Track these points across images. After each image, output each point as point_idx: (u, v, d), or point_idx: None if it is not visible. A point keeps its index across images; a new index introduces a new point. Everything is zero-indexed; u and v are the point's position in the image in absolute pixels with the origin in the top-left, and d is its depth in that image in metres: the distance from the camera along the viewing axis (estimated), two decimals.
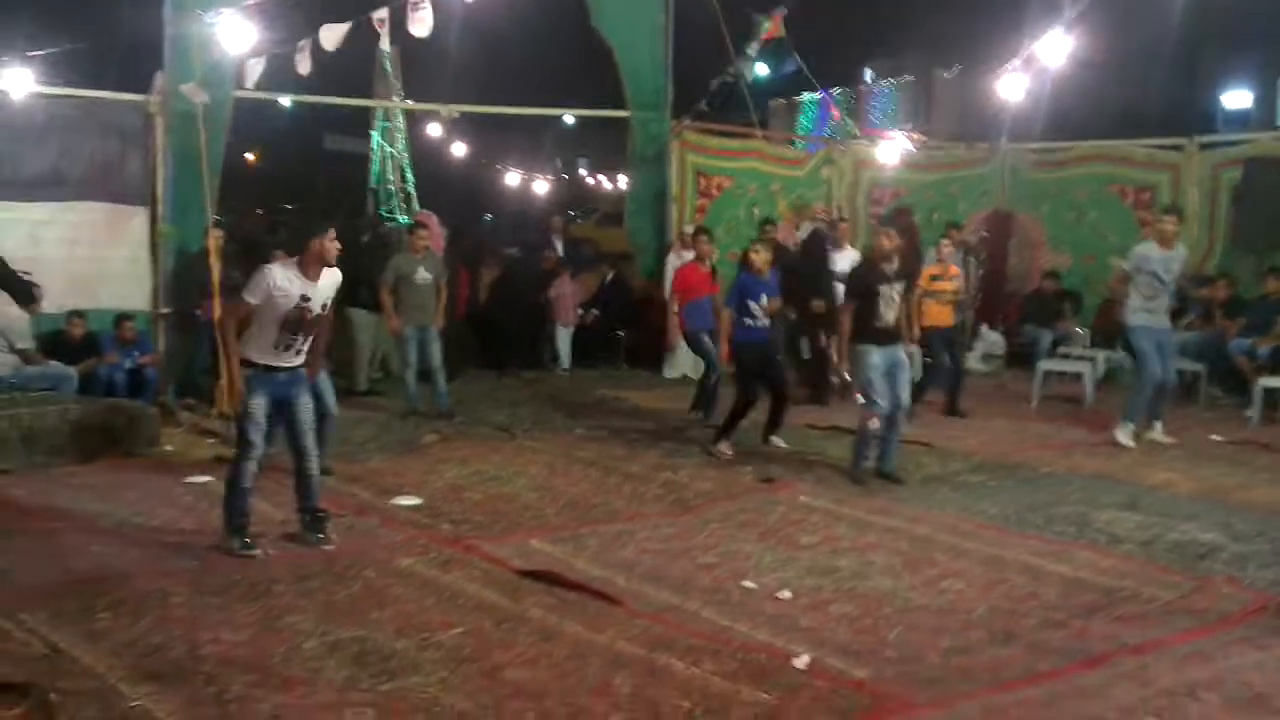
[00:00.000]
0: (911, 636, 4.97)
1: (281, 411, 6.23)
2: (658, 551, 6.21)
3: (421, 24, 8.81)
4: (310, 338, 6.25)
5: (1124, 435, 9.18)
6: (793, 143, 18.62)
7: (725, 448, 8.78)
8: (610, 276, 14.25)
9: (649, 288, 13.50)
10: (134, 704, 4.18)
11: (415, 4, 8.76)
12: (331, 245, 6.16)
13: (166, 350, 10.51)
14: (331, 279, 6.27)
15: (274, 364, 6.14)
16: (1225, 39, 25.63)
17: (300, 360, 6.27)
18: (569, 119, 25.07)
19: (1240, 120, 25.78)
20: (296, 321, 6.10)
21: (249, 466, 6.14)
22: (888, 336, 7.91)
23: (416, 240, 10.65)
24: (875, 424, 7.80)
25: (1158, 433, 9.31)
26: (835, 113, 22.21)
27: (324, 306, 6.24)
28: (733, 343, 9.07)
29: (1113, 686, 4.41)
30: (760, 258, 9.01)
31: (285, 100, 13.25)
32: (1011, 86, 9.08)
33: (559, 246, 14.21)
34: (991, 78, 9.85)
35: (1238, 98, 27.47)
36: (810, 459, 8.64)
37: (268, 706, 4.18)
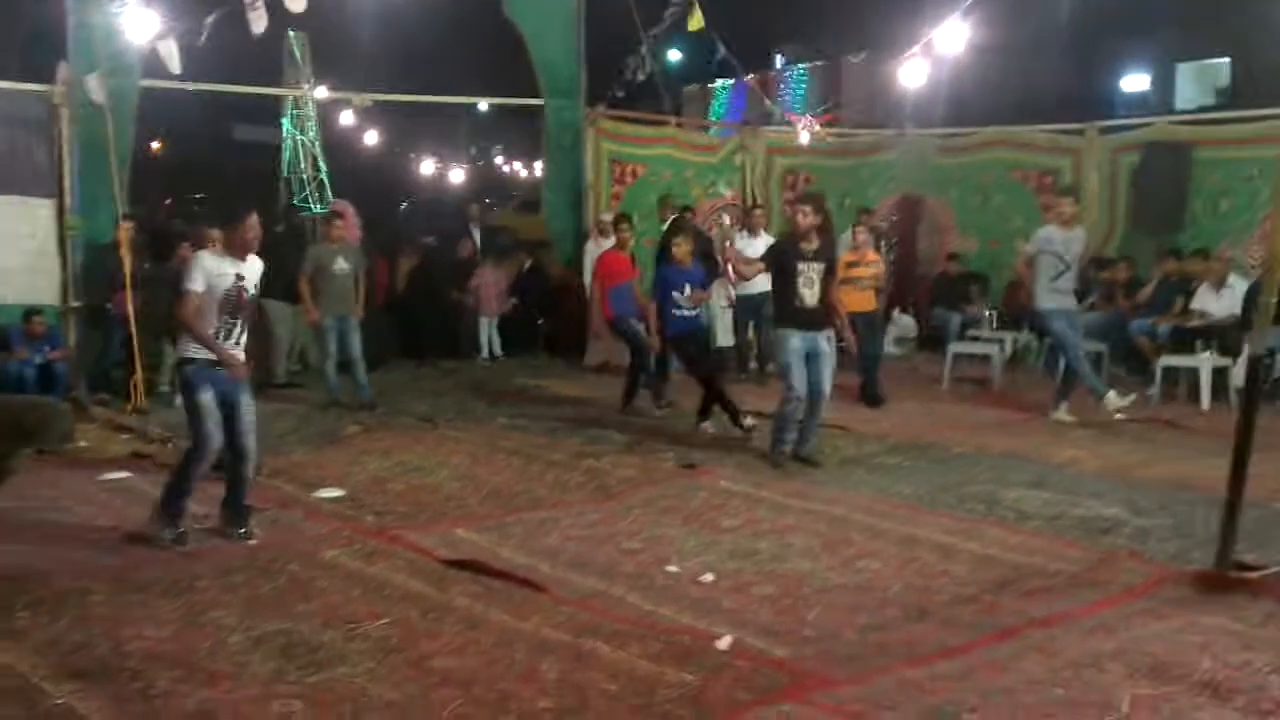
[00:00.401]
0: (829, 615, 5.10)
1: (223, 410, 6.19)
2: (582, 538, 6.28)
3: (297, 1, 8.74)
4: (246, 323, 6.28)
5: (1113, 403, 9.48)
6: (706, 129, 18.71)
7: (709, 426, 9.06)
8: (528, 265, 14.27)
9: (567, 275, 13.56)
10: (58, 702, 4.17)
11: None
12: (251, 233, 6.22)
13: (78, 345, 10.33)
14: (258, 263, 6.35)
15: (214, 357, 6.13)
16: (1123, 24, 26.26)
17: (239, 351, 6.26)
18: (483, 107, 24.97)
19: (1138, 104, 26.43)
20: (235, 304, 6.15)
21: (202, 466, 6.13)
22: (808, 319, 7.94)
23: (333, 230, 10.61)
24: (791, 408, 7.92)
25: (1062, 412, 9.60)
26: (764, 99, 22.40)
27: (255, 287, 6.31)
28: (667, 337, 9.20)
29: (1022, 659, 4.58)
30: (681, 250, 9.15)
31: (192, 88, 13.02)
32: (912, 73, 9.26)
33: (476, 235, 14.17)
34: (896, 64, 10.03)
35: (1135, 81, 28.18)
36: (732, 444, 8.77)
37: (193, 701, 4.19)
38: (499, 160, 42.12)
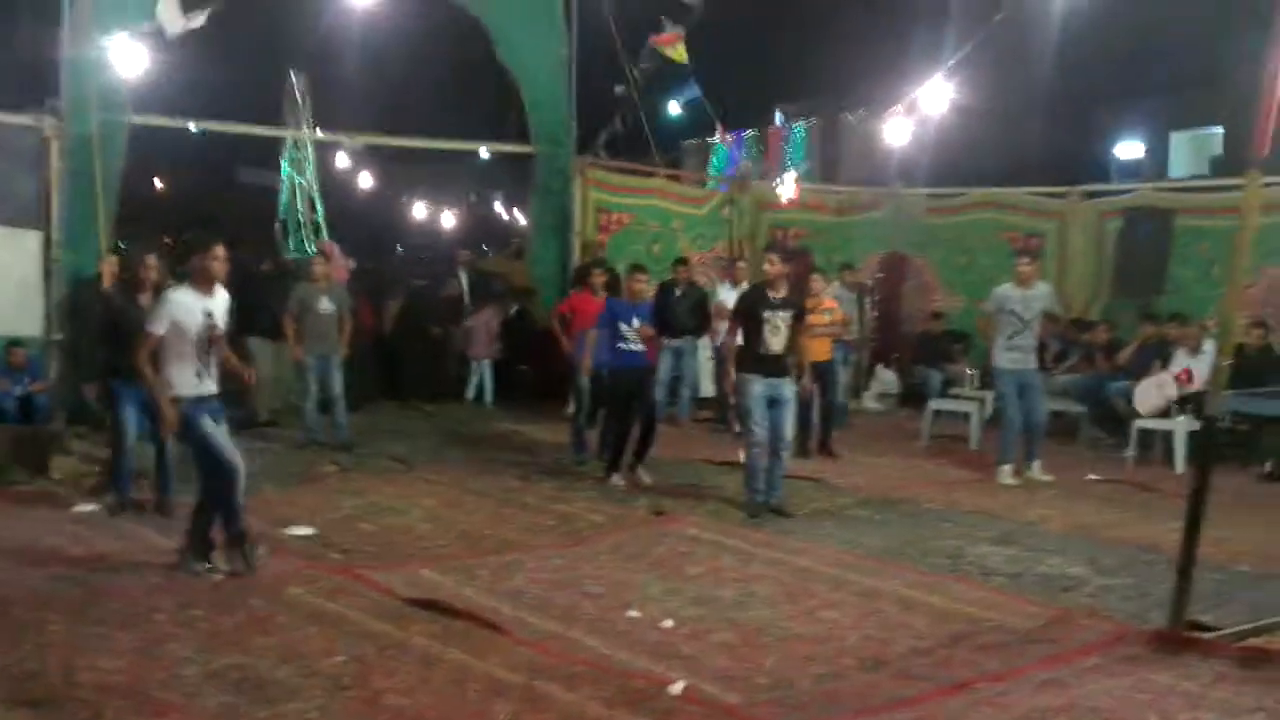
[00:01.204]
0: (785, 664, 5.11)
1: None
2: (546, 581, 6.30)
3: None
4: (219, 358, 6.34)
5: (1004, 476, 9.50)
6: (703, 183, 18.87)
7: (618, 478, 8.91)
8: (514, 310, 14.32)
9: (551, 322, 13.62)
10: None
11: None
12: (213, 263, 6.23)
13: (58, 377, 10.37)
14: (223, 296, 6.38)
15: (201, 393, 6.20)
16: (1120, 91, 26.56)
17: (214, 387, 6.31)
18: (484, 153, 25.18)
19: (1133, 171, 26.64)
20: (206, 341, 6.19)
21: (238, 485, 6.21)
22: (772, 366, 8.02)
23: (316, 269, 10.67)
24: (755, 452, 7.97)
25: (1036, 471, 9.64)
26: (739, 157, 22.63)
27: (224, 321, 6.35)
28: (607, 368, 9.14)
29: (972, 712, 4.59)
30: (639, 286, 9.16)
31: (188, 125, 13.17)
32: (897, 131, 9.39)
33: (464, 279, 14.26)
34: (886, 120, 10.18)
35: (1130, 149, 28.47)
36: (704, 492, 8.81)
37: None
38: (498, 206, 42.37)
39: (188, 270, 6.34)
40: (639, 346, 9.10)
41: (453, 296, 13.89)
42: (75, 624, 5.29)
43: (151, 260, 6.93)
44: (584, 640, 5.34)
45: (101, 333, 7.80)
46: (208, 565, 6.17)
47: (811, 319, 10.43)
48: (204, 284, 6.24)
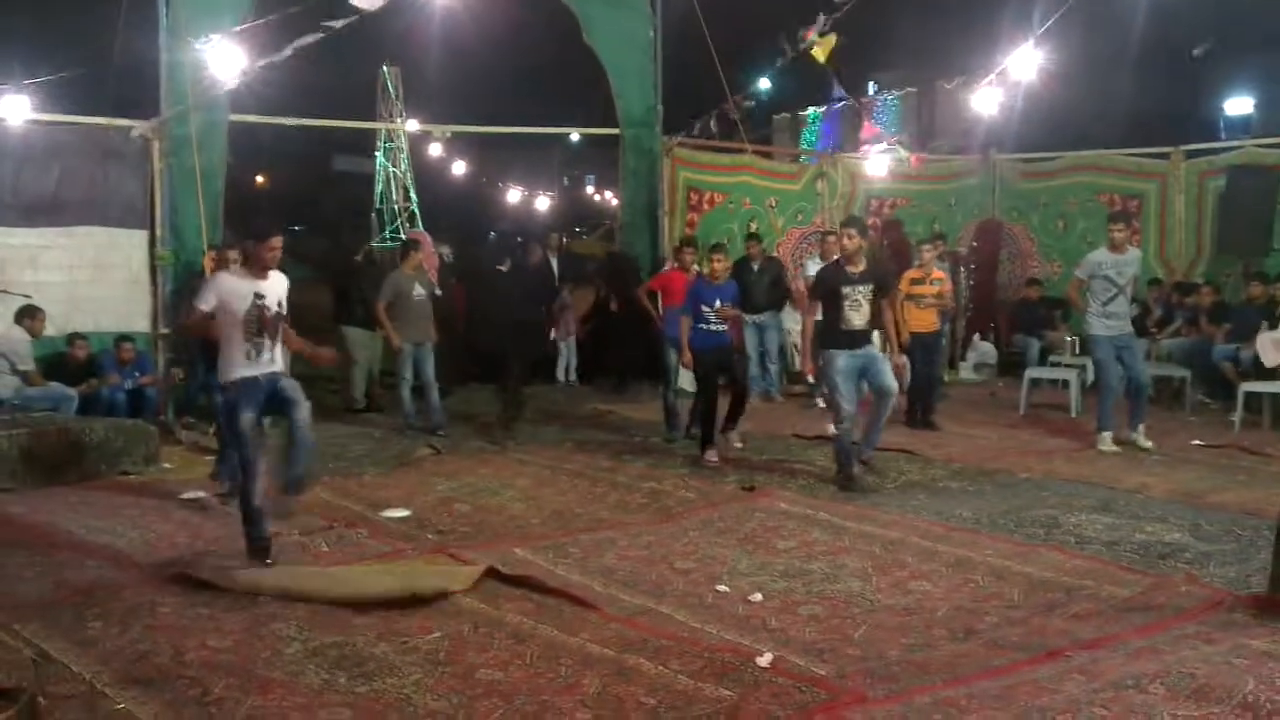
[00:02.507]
0: (875, 635, 5.11)
1: (277, 404, 6.40)
2: (637, 558, 6.36)
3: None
4: (276, 341, 6.43)
5: (1104, 443, 9.33)
6: (797, 159, 18.77)
7: (711, 455, 8.96)
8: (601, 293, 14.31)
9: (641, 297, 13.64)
10: (119, 706, 4.36)
11: None
12: (268, 253, 6.35)
13: (166, 370, 10.73)
14: (280, 280, 6.49)
15: (250, 374, 6.32)
16: (1228, 46, 25.72)
17: (276, 366, 6.44)
18: (574, 136, 25.35)
19: (1242, 126, 25.88)
20: (258, 321, 6.31)
21: (256, 485, 6.28)
22: (854, 340, 8.01)
23: (412, 257, 10.85)
24: (845, 427, 7.96)
25: (1140, 437, 9.43)
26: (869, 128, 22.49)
27: (279, 305, 6.43)
28: (691, 348, 9.18)
29: (1064, 680, 4.54)
30: (720, 265, 9.17)
31: (286, 122, 13.48)
32: (986, 100, 9.23)
33: (554, 263, 14.35)
34: (975, 90, 10.02)
35: (1239, 104, 27.58)
36: (794, 467, 8.81)
37: (245, 708, 4.35)
38: (590, 189, 42.63)
39: (251, 253, 6.49)
40: (721, 326, 9.12)
41: (536, 262, 13.88)
42: (183, 606, 5.49)
43: (232, 254, 7.21)
44: (673, 615, 5.40)
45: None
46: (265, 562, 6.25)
47: (922, 289, 10.45)
48: (257, 269, 6.38)
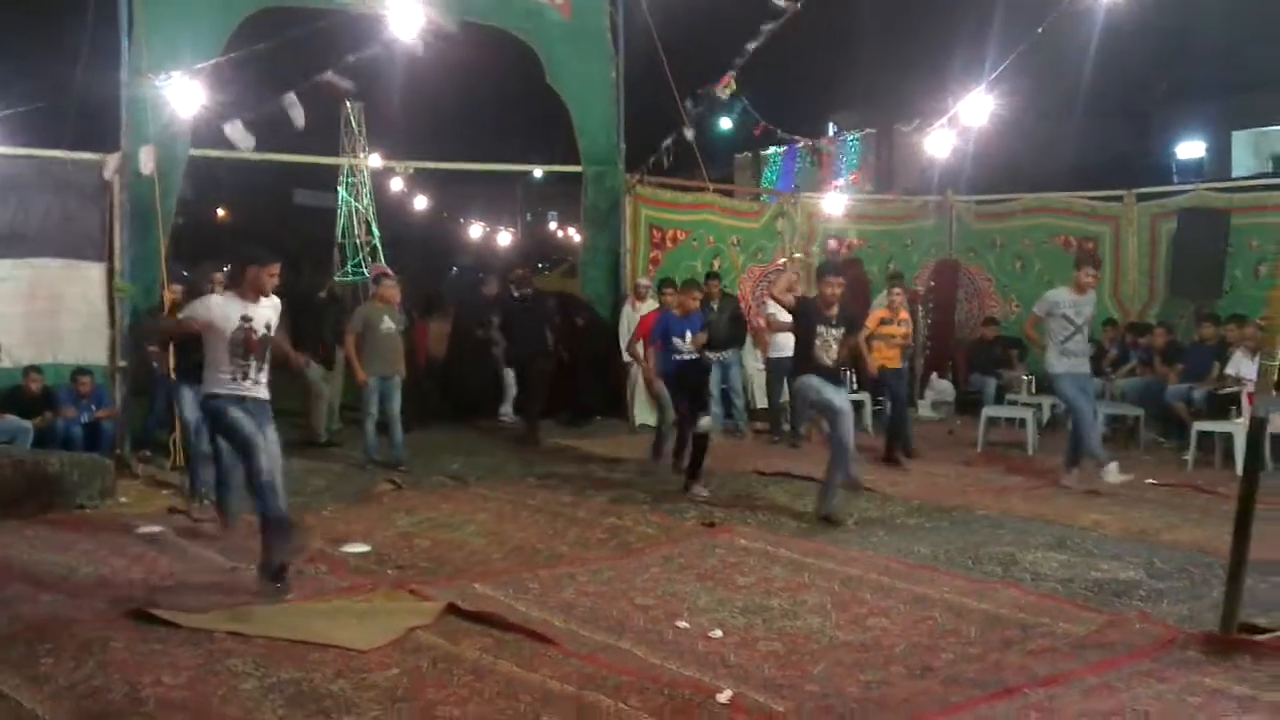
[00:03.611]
0: (833, 671, 5.14)
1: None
2: (597, 594, 6.36)
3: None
4: (263, 364, 6.49)
5: (1111, 474, 9.40)
6: (759, 197, 18.93)
7: (700, 489, 9.10)
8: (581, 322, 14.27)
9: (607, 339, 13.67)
10: None
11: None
12: (269, 278, 6.48)
13: (123, 403, 10.63)
14: (272, 304, 6.57)
15: (236, 393, 6.40)
16: (1181, 91, 26.27)
17: (260, 391, 6.50)
18: (537, 173, 25.44)
19: (1194, 171, 26.39)
20: (243, 344, 6.38)
21: (261, 460, 6.31)
22: (827, 373, 8.39)
23: (385, 290, 10.81)
24: (846, 427, 8.25)
25: (1073, 479, 9.52)
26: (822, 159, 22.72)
27: (268, 328, 6.51)
28: (668, 375, 9.51)
29: (1020, 717, 4.59)
30: (692, 302, 9.46)
31: (248, 156, 13.45)
32: (938, 143, 9.41)
33: (514, 294, 14.30)
34: (928, 133, 10.20)
35: (1191, 148, 28.13)
36: (755, 503, 8.84)
37: None
38: (553, 225, 42.73)
39: (239, 276, 6.55)
40: (691, 355, 9.50)
41: (492, 294, 13.85)
42: (137, 642, 5.43)
43: (218, 275, 7.29)
44: (633, 651, 5.40)
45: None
46: (278, 585, 6.29)
47: (891, 329, 10.75)
48: (250, 293, 6.47)
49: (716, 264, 14.16)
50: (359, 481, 9.76)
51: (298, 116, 9.72)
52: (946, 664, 5.23)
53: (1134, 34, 16.50)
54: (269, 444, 6.41)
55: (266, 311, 6.55)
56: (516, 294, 13.22)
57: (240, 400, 6.42)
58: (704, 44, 13.63)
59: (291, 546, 6.52)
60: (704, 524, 8.08)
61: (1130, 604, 6.13)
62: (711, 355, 11.65)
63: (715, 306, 12.16)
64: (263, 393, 6.54)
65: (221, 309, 6.43)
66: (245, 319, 6.41)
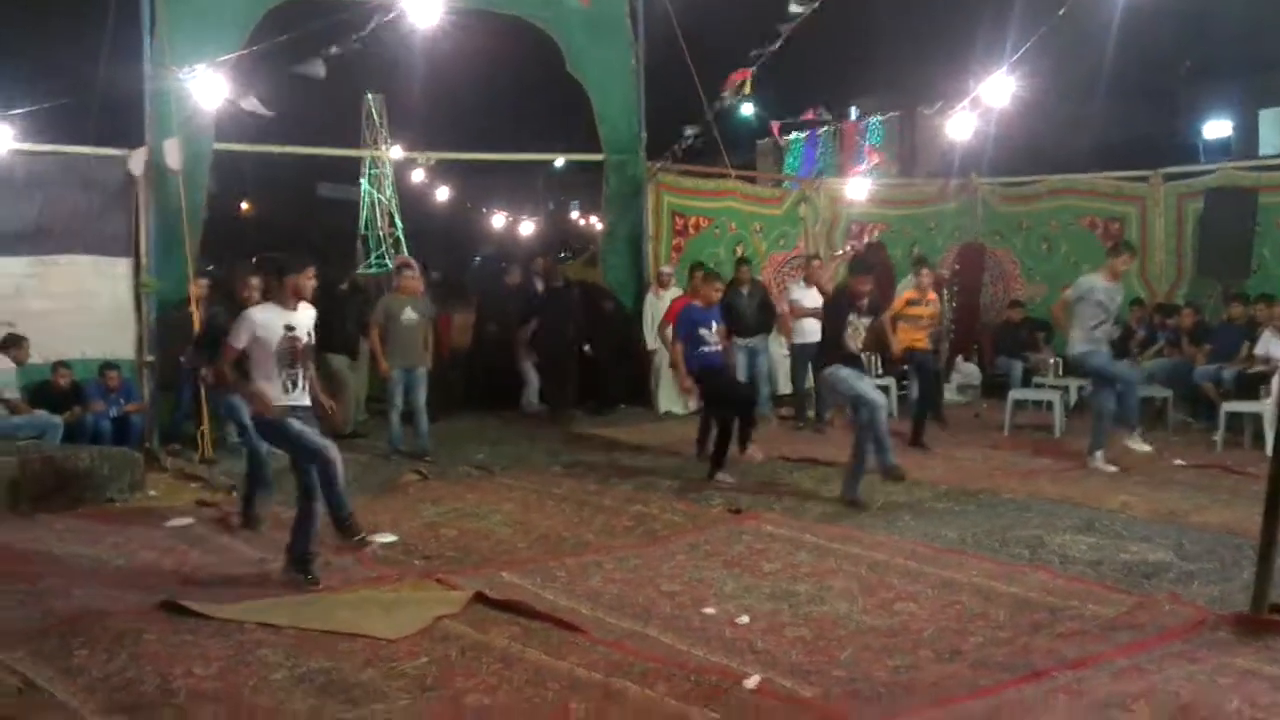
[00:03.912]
0: (861, 657, 5.13)
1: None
2: (623, 581, 6.37)
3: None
4: (307, 370, 6.55)
5: (1136, 442, 9.52)
6: (780, 183, 18.88)
7: (725, 476, 9.10)
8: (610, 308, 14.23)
9: (630, 327, 13.67)
10: None
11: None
12: (308, 282, 6.53)
13: (151, 397, 10.71)
14: (309, 310, 6.61)
15: (289, 404, 6.44)
16: (1207, 70, 26.03)
17: (307, 399, 6.56)
18: (559, 162, 25.43)
19: (1221, 150, 26.15)
20: (290, 353, 6.44)
21: (334, 467, 6.44)
22: (854, 360, 8.52)
23: (406, 281, 10.84)
24: (881, 417, 8.29)
25: (1099, 459, 9.48)
26: (871, 155, 22.76)
27: (309, 335, 6.56)
28: (698, 371, 9.37)
29: (1049, 700, 4.57)
30: (714, 293, 9.44)
31: (270, 150, 13.50)
32: (959, 126, 9.36)
33: (538, 286, 14.35)
34: (950, 116, 10.13)
35: (1218, 128, 27.88)
36: (781, 489, 8.84)
37: None
38: (575, 214, 42.74)
39: (276, 286, 6.59)
40: (717, 347, 9.42)
41: (515, 283, 13.83)
42: (169, 634, 5.47)
43: (254, 281, 7.31)
44: (660, 638, 5.41)
45: (204, 348, 8.14)
46: (307, 576, 6.34)
47: (918, 310, 10.82)
48: (290, 300, 6.50)
49: (740, 250, 14.13)
50: (385, 472, 9.80)
51: (258, 107, 9.72)
52: (975, 648, 5.21)
53: (1156, 12, 16.36)
54: (336, 450, 6.50)
55: (306, 317, 6.58)
56: (542, 286, 13.27)
57: (293, 410, 6.46)
58: (724, 30, 13.60)
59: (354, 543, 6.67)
60: (730, 511, 8.08)
61: (1160, 586, 6.09)
62: (741, 341, 11.81)
63: (745, 292, 12.19)
64: (309, 400, 6.59)
65: (266, 322, 6.43)
66: (289, 328, 6.44)
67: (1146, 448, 9.53)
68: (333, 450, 6.46)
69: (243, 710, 4.58)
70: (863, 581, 6.28)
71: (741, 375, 12.04)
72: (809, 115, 15.02)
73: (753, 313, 12.17)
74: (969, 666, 4.98)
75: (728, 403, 9.44)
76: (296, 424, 6.42)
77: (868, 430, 8.29)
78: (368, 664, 5.06)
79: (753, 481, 9.15)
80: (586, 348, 13.40)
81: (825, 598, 6.01)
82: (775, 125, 15.79)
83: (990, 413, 12.81)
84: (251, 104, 10.01)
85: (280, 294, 6.53)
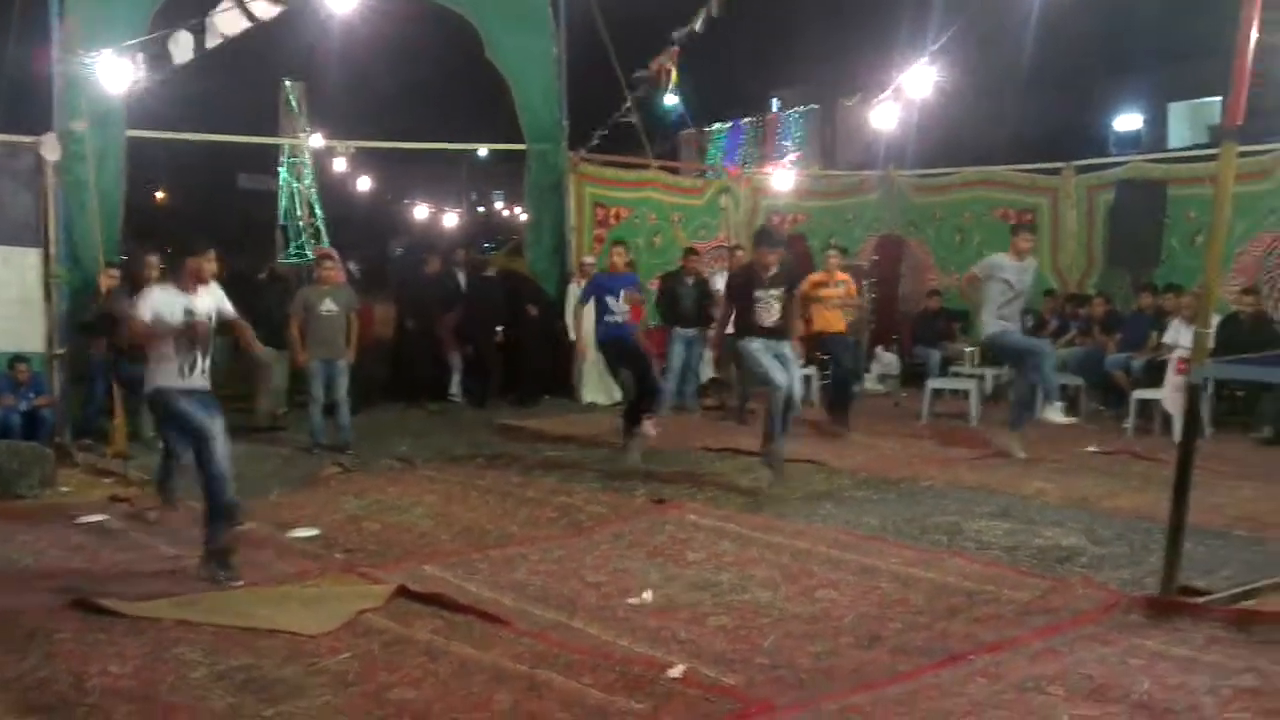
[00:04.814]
0: (784, 644, 5.18)
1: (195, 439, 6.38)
2: (548, 572, 6.37)
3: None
4: (207, 355, 6.50)
5: (1056, 412, 9.59)
6: (703, 174, 18.96)
7: (649, 426, 9.27)
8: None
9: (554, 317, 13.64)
10: None
11: None
12: (208, 265, 6.48)
13: (62, 391, 10.46)
14: (212, 293, 6.56)
15: (185, 387, 6.38)
16: (1117, 64, 26.60)
17: (205, 383, 6.51)
18: (482, 152, 25.25)
19: (1131, 143, 26.77)
20: (189, 337, 6.37)
21: (215, 448, 6.26)
22: (767, 332, 8.41)
23: (325, 272, 10.70)
24: (778, 397, 8.24)
25: (1015, 443, 9.60)
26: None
27: (209, 318, 6.51)
28: (599, 340, 9.47)
29: (967, 683, 4.65)
30: (619, 259, 9.44)
31: (185, 137, 13.25)
32: (884, 116, 9.46)
33: (460, 278, 14.27)
34: (872, 107, 10.26)
35: (1128, 121, 28.52)
36: (703, 479, 8.88)
37: None
38: (499, 204, 42.51)
39: (176, 267, 6.54)
40: (625, 317, 9.43)
41: (434, 270, 13.71)
42: (83, 632, 5.35)
43: (153, 260, 7.22)
44: (585, 629, 5.41)
45: (104, 329, 8.01)
46: (225, 571, 6.24)
47: (827, 291, 10.80)
48: (190, 283, 6.45)
49: (658, 241, 14.18)
50: (306, 465, 9.69)
51: (180, 54, 9.48)
52: (894, 633, 5.29)
53: (1071, 8, 16.70)
54: (221, 433, 6.37)
55: (208, 300, 6.53)
56: (465, 276, 13.22)
57: (189, 393, 6.41)
58: (646, 19, 13.59)
59: (237, 533, 6.47)
60: (653, 501, 8.11)
61: (1073, 570, 6.24)
62: (679, 330, 11.92)
63: (690, 282, 12.29)
64: (207, 384, 6.55)
65: (166, 302, 6.38)
66: (188, 311, 6.40)
67: (1067, 418, 9.66)
68: (215, 431, 6.30)
69: (159, 709, 4.49)
70: (785, 570, 6.34)
71: (676, 365, 12.20)
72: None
73: (693, 303, 12.26)
74: (888, 652, 5.06)
75: (630, 370, 9.47)
76: (185, 403, 6.36)
77: (775, 410, 8.32)
78: (288, 660, 5.00)
79: (675, 472, 9.18)
80: (499, 329, 13.36)
81: (748, 586, 6.06)
82: (690, 123, 15.88)
83: (909, 401, 13.01)
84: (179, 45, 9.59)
85: (180, 276, 6.48)
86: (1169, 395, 10.45)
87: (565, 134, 13.77)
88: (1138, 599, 5.54)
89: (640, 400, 9.42)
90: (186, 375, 6.42)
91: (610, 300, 9.36)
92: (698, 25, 11.35)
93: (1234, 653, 4.83)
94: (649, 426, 9.36)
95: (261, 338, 10.96)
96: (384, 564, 6.56)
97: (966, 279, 10.10)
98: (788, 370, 8.36)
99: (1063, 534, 6.99)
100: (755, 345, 8.37)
